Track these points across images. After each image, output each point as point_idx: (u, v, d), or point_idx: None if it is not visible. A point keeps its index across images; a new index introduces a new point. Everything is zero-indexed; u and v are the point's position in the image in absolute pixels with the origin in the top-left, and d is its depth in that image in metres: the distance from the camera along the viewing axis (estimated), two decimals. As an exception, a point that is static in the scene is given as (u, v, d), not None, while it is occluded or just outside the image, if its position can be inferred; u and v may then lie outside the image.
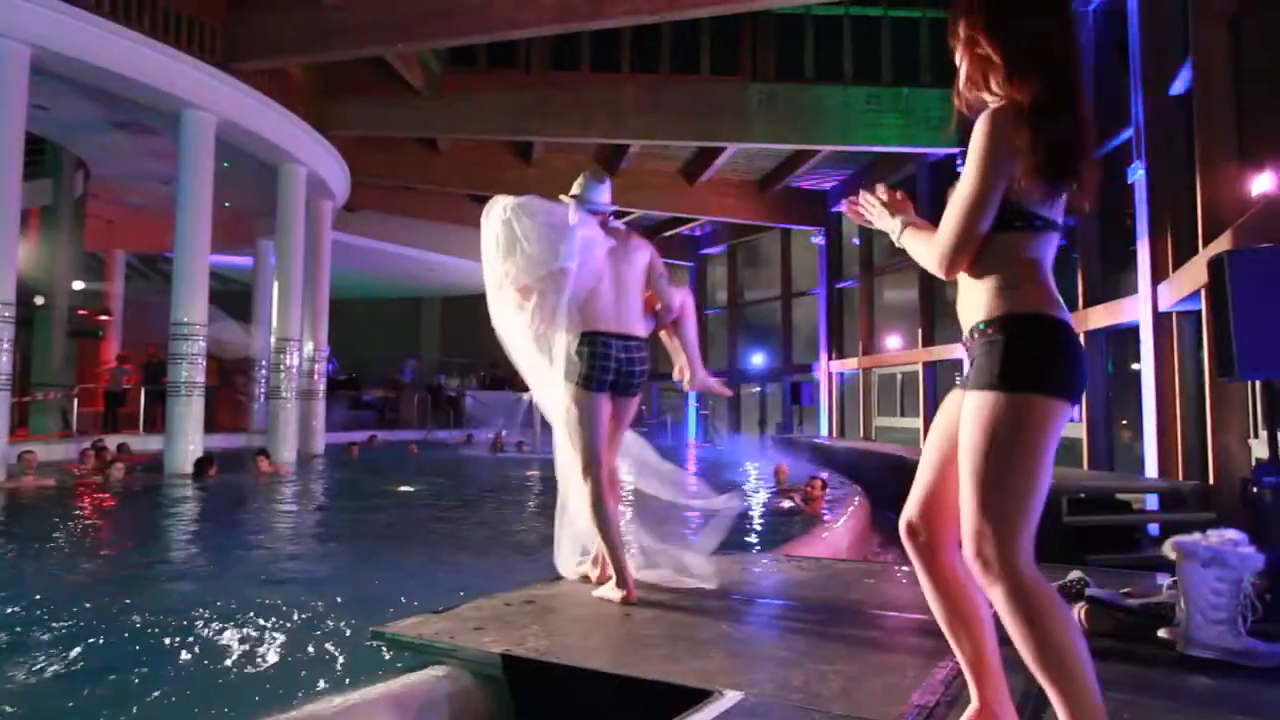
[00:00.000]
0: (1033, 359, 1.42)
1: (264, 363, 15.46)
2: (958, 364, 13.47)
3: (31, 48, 9.04)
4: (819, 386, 19.58)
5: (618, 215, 4.73)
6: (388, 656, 2.57)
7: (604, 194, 3.73)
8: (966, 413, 1.45)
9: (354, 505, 8.45)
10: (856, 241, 18.20)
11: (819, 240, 19.39)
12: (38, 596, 4.16)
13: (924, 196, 14.79)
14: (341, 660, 3.06)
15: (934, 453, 1.62)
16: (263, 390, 15.59)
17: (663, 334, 3.71)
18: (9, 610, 3.91)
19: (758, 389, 22.73)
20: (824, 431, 19.03)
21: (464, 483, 11.33)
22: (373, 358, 26.35)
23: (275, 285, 14.57)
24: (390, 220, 19.40)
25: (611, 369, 3.27)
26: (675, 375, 3.65)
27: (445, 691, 2.19)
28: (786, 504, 6.75)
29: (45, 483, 8.66)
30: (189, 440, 10.57)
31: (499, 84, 14.46)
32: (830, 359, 19.11)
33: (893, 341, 16.65)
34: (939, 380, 14.61)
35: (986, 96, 1.55)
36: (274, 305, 14.69)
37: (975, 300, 1.53)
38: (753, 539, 5.49)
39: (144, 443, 12.89)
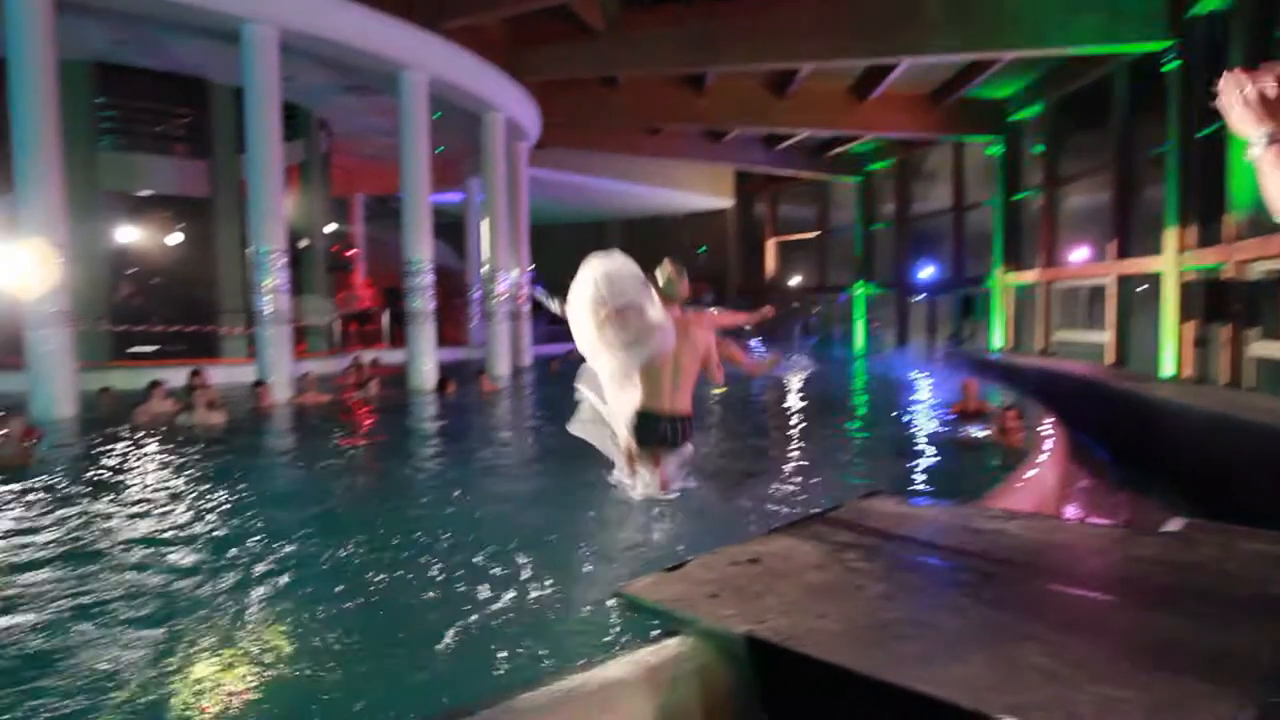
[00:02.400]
0: None
1: (477, 287, 16.27)
2: (1154, 278, 11.68)
3: (280, 28, 9.51)
4: (991, 299, 17.85)
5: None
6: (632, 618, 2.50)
7: (682, 287, 4.31)
8: None
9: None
10: (1038, 150, 16.01)
11: (996, 151, 17.26)
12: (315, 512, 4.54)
13: (1122, 102, 12.63)
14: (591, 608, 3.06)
15: None
16: (477, 311, 16.50)
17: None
18: (305, 528, 4.29)
19: (922, 297, 21.09)
20: (997, 344, 17.43)
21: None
22: (563, 279, 27.16)
23: (483, 219, 15.12)
24: (575, 154, 19.44)
25: (658, 439, 4.13)
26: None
27: (693, 666, 2.07)
28: (977, 433, 6.11)
29: (322, 399, 9.61)
30: (425, 361, 11.38)
31: (672, 19, 13.70)
32: (1006, 271, 17.28)
33: (1078, 254, 14.70)
34: (1133, 295, 12.77)
35: None
36: (483, 237, 15.27)
37: None
38: (947, 479, 5.01)
39: (390, 356, 14.12)
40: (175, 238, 13.11)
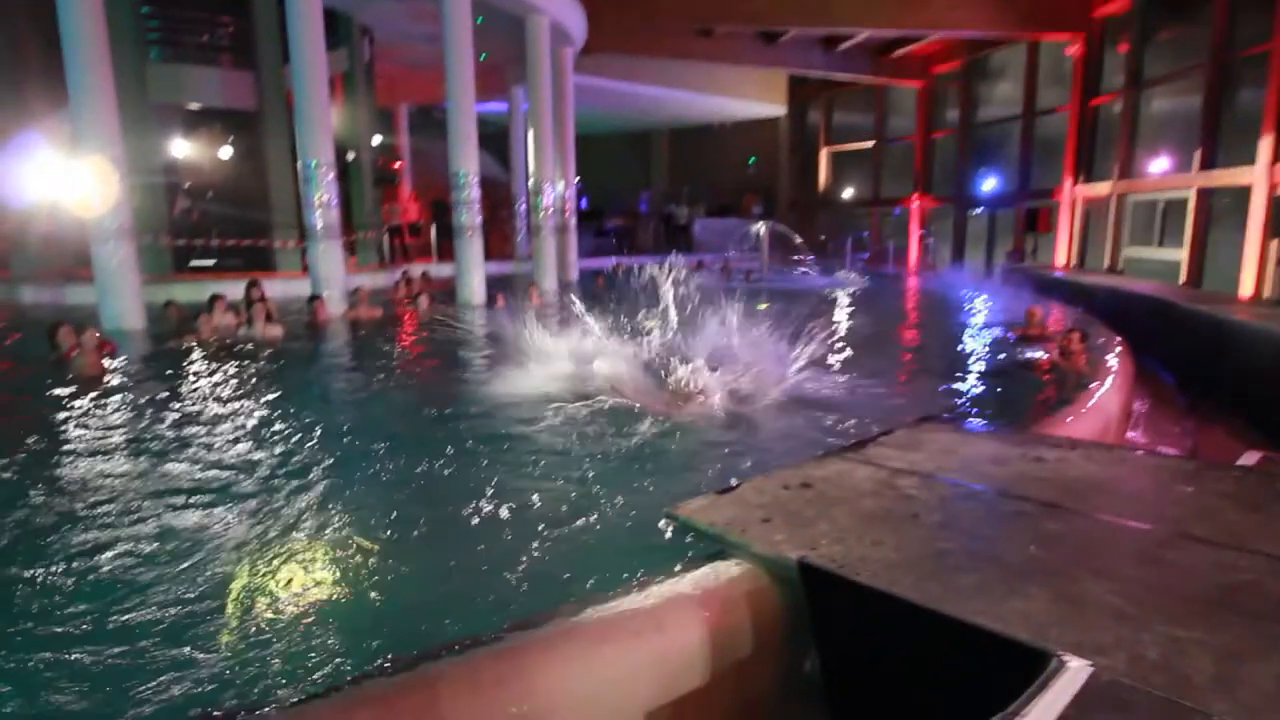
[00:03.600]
0: None
1: (523, 200, 16.09)
2: (1240, 192, 10.87)
3: (317, -73, 9.15)
4: (1057, 212, 16.92)
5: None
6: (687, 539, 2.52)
7: None
8: None
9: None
10: (1125, 49, 14.72)
11: (1075, 50, 15.94)
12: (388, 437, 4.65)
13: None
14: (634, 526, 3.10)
15: None
16: (523, 224, 16.38)
17: None
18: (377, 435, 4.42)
19: (982, 211, 20.09)
20: (1060, 261, 16.64)
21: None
22: (609, 190, 26.66)
23: (529, 129, 14.77)
24: (622, 60, 18.66)
25: None
26: None
27: (745, 589, 2.09)
28: (1038, 356, 5.89)
29: (375, 313, 9.78)
30: (473, 275, 11.42)
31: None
32: (1076, 183, 16.28)
33: (1157, 164, 13.71)
34: (1214, 209, 11.94)
35: None
36: (529, 148, 14.96)
37: None
38: (1004, 404, 4.86)
39: (438, 270, 14.21)
40: (226, 151, 13.17)
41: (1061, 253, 16.70)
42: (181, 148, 12.70)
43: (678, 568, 2.14)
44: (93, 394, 5.61)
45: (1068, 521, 2.32)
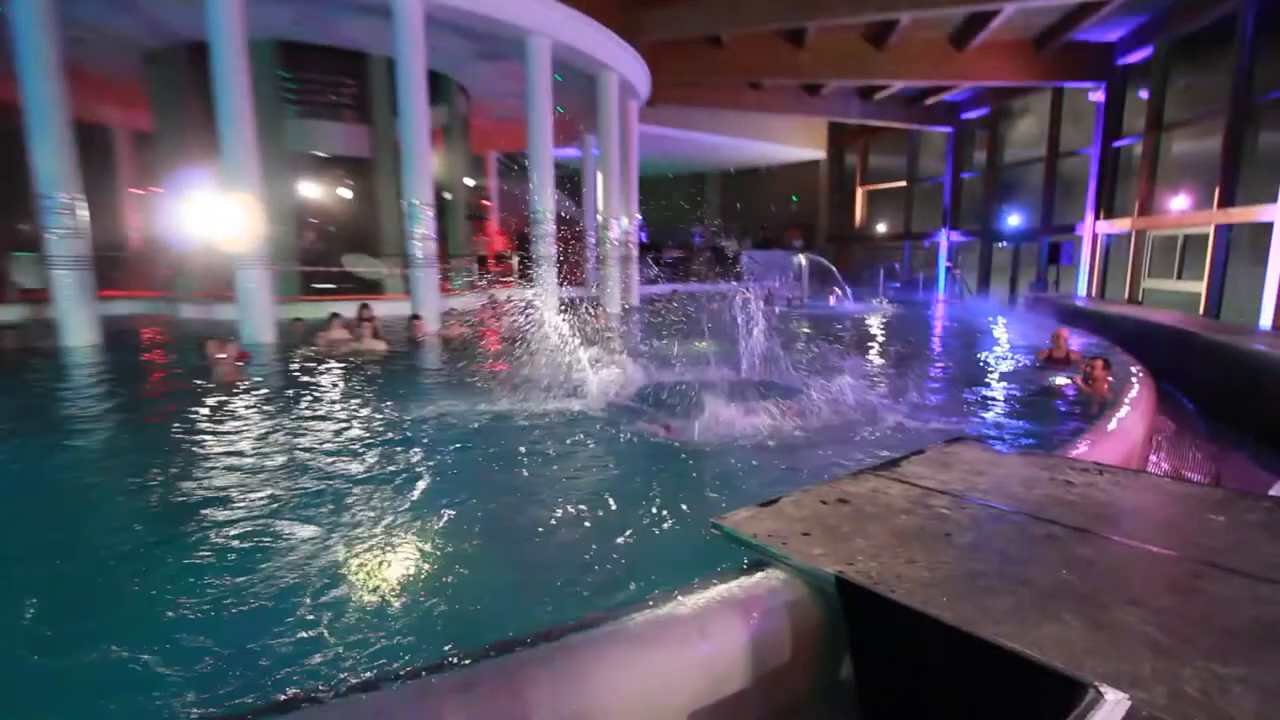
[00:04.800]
0: None
1: (593, 233, 16.22)
2: (1260, 228, 10.11)
3: (424, 1, 9.46)
4: (1079, 246, 16.09)
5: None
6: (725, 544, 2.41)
7: None
8: None
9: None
10: (1145, 94, 13.96)
11: (1098, 96, 15.20)
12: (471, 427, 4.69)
13: (1247, 40, 10.73)
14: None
15: None
16: (593, 255, 16.50)
17: None
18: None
19: (1005, 245, 19.27)
20: (1081, 292, 15.81)
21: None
22: (666, 225, 26.70)
23: (598, 172, 14.91)
24: (680, 110, 18.72)
25: None
26: None
27: (784, 600, 1.98)
28: (1061, 382, 5.54)
29: (464, 331, 9.96)
30: (550, 299, 11.51)
31: (776, -25, 12.66)
32: (1097, 218, 15.47)
33: (1177, 202, 12.91)
34: (1231, 244, 11.14)
35: None
36: (598, 188, 15.10)
37: None
38: (1030, 426, 4.57)
39: (520, 294, 14.39)
40: (345, 192, 13.71)
41: (1083, 284, 15.86)
42: (309, 189, 13.26)
43: (721, 577, 2.04)
44: (228, 395, 5.85)
45: (1098, 547, 2.12)
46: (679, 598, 1.91)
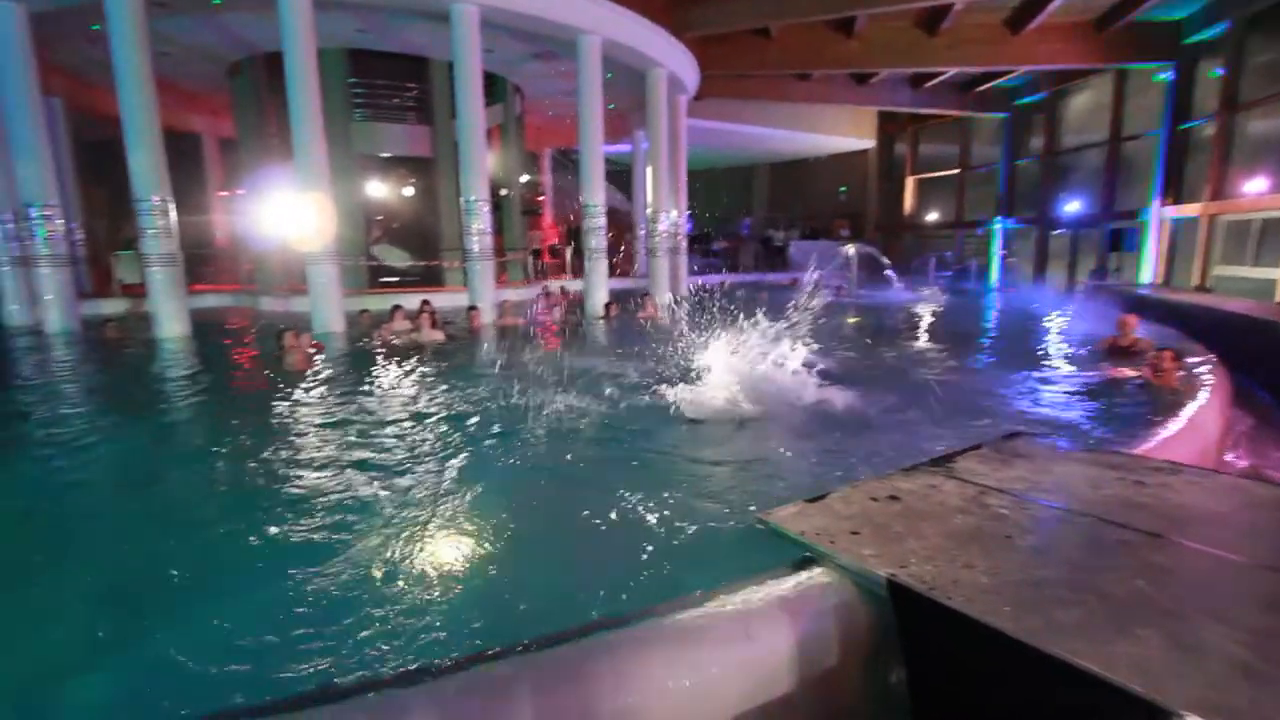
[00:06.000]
0: None
1: (642, 226, 16.11)
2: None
3: (480, 6, 9.48)
4: (1143, 232, 15.04)
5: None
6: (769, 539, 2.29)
7: None
8: None
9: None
10: (1220, 71, 12.88)
11: (1167, 76, 14.10)
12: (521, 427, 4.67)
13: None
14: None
15: None
16: (643, 247, 16.40)
17: None
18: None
19: (1062, 231, 18.15)
20: (1146, 279, 14.78)
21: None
22: (715, 216, 26.33)
23: (648, 167, 14.76)
24: (728, 104, 18.34)
25: None
26: None
27: (833, 601, 1.85)
28: (1127, 373, 5.13)
29: (518, 321, 10.04)
30: (600, 291, 11.51)
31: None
32: (1164, 203, 14.40)
33: (1254, 184, 11.89)
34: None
35: None
36: (647, 182, 14.96)
37: None
38: (1094, 421, 4.24)
39: (574, 285, 14.46)
40: (408, 190, 13.98)
41: (1147, 271, 14.83)
42: (375, 188, 13.58)
43: (767, 575, 1.93)
44: (297, 382, 6.03)
45: (1176, 555, 1.91)
46: (721, 595, 1.81)
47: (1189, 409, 3.91)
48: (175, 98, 13.87)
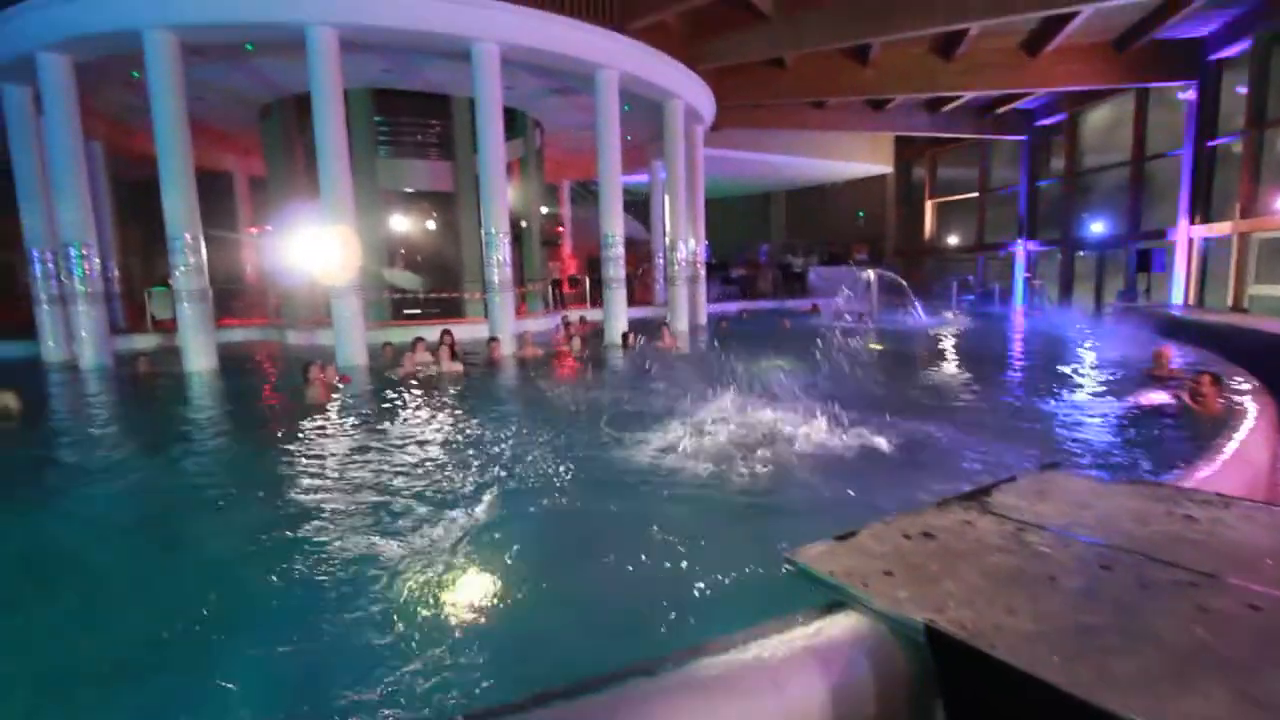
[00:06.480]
0: None
1: (661, 255, 16.19)
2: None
3: (500, 44, 9.74)
4: (1172, 252, 14.72)
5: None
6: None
7: None
8: None
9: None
10: (1242, 90, 12.71)
11: (1189, 95, 13.95)
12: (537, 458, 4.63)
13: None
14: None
15: None
16: (661, 276, 16.47)
17: None
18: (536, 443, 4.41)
19: (1087, 253, 17.83)
20: (1176, 300, 14.42)
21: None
22: (733, 244, 26.40)
23: (666, 196, 14.89)
24: (745, 133, 18.52)
25: None
26: None
27: (867, 647, 1.76)
28: (1164, 399, 4.94)
29: (537, 352, 10.06)
30: (618, 320, 11.53)
31: (838, -7, 12.30)
32: (1192, 223, 14.12)
33: (1289, 199, 11.59)
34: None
35: None
36: (665, 212, 15.08)
37: None
38: (1133, 451, 4.07)
39: (593, 314, 14.53)
40: (430, 224, 14.25)
41: (1177, 292, 14.48)
42: (399, 222, 13.87)
43: (796, 620, 1.83)
44: (318, 414, 6.07)
45: (1237, 598, 1.78)
46: (751, 642, 1.72)
47: (1235, 437, 3.73)
48: (209, 138, 14.39)
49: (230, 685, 2.10)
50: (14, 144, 10.57)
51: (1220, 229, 13.21)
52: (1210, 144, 13.81)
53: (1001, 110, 18.65)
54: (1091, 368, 7.44)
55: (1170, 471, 3.24)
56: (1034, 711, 1.47)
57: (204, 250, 9.43)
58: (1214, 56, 13.29)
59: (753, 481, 3.86)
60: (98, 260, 10.08)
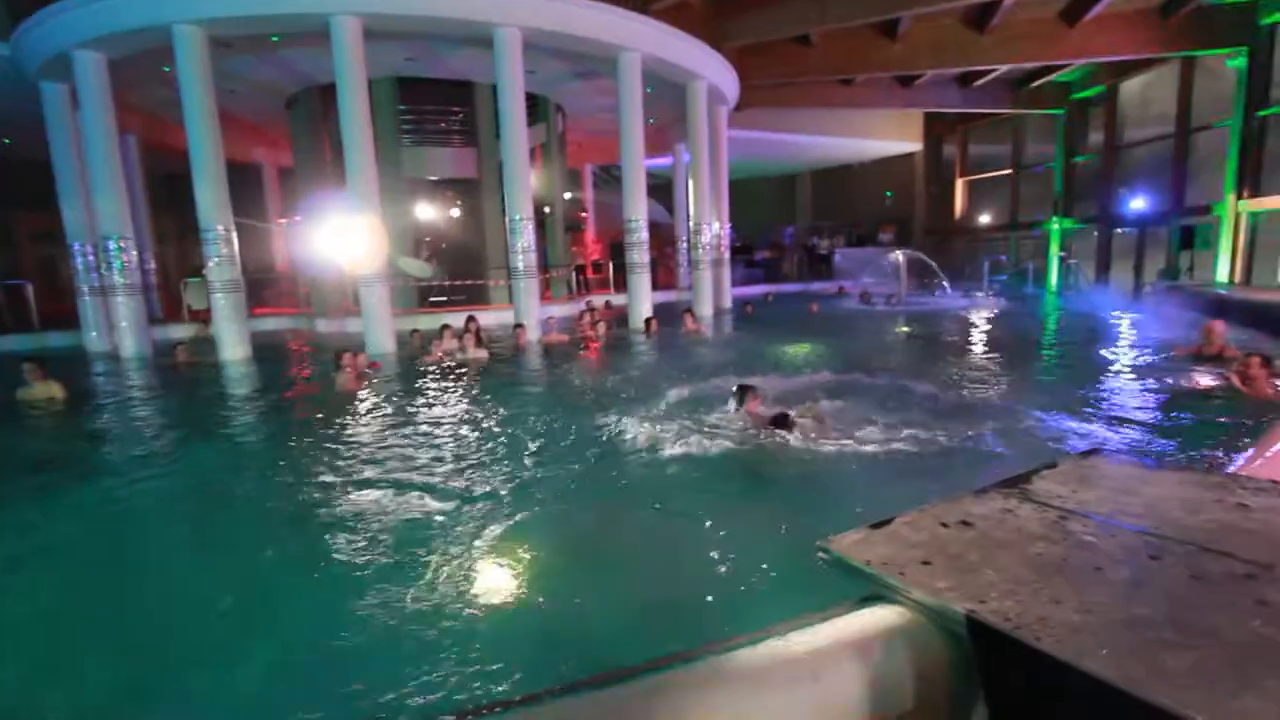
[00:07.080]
0: None
1: (684, 239, 16.07)
2: None
3: (522, 29, 9.66)
4: (1217, 228, 14.12)
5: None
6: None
7: None
8: None
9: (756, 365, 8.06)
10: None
11: (1239, 63, 13.29)
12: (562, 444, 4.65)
13: None
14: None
15: None
16: (684, 259, 16.35)
17: None
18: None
19: (1127, 230, 17.17)
20: (1221, 278, 13.85)
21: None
22: (758, 226, 26.07)
23: (689, 179, 14.73)
24: (769, 113, 18.18)
25: None
26: None
27: (906, 639, 1.72)
28: (1211, 382, 4.76)
29: (562, 338, 10.08)
30: (642, 305, 11.48)
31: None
32: (1240, 196, 13.52)
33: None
34: None
35: None
36: (689, 195, 14.92)
37: None
38: (1179, 436, 3.93)
39: (618, 299, 14.52)
40: (455, 211, 14.31)
41: (1223, 269, 13.92)
42: (424, 210, 13.95)
43: (834, 610, 1.81)
44: (348, 401, 6.17)
45: (1294, 590, 1.70)
46: (788, 634, 1.70)
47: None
48: (239, 131, 14.60)
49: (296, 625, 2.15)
50: (53, 140, 10.86)
51: (1271, 202, 12.64)
52: (1261, 114, 13.17)
53: (1037, 83, 18.01)
54: (1133, 350, 7.19)
55: (1220, 457, 3.12)
56: (1081, 706, 1.43)
57: (236, 241, 9.61)
58: (1267, 20, 12.63)
59: (784, 468, 3.83)
60: (135, 252, 10.34)
